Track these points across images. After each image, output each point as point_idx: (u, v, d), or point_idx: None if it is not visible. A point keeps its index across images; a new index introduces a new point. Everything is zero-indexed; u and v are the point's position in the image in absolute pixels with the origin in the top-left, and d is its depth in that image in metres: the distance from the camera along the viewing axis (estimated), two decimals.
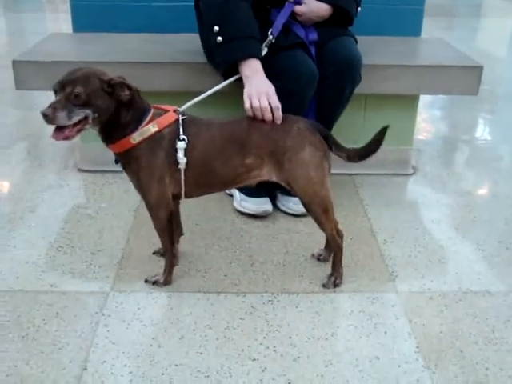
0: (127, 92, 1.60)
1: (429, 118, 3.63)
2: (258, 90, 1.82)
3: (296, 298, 1.83)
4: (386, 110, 2.63)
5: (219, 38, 1.93)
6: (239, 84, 1.90)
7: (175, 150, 1.65)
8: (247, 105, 1.78)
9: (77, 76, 1.56)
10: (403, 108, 2.65)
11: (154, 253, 2.02)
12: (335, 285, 1.87)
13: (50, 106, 1.53)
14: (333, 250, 1.89)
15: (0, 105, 3.63)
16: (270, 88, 1.84)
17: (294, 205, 2.27)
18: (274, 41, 1.98)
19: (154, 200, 1.73)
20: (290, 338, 1.65)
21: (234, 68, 1.92)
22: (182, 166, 1.67)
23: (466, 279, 1.94)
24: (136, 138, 1.64)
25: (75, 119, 1.55)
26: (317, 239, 2.06)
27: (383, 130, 1.75)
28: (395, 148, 2.68)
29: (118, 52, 2.52)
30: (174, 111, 1.71)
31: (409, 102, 2.64)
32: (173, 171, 1.69)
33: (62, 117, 1.53)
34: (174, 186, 1.72)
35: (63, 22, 6.13)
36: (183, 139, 1.65)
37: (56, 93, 1.57)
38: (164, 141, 1.66)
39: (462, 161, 3.05)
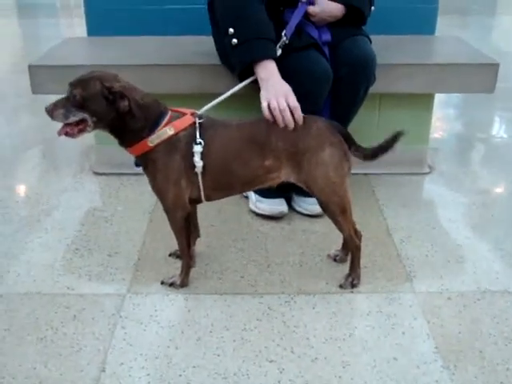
0: (126, 102, 1.59)
1: (444, 116, 3.60)
2: (276, 91, 1.81)
3: (313, 298, 1.82)
4: (400, 109, 2.62)
5: (234, 40, 1.92)
6: (254, 86, 1.90)
7: (192, 154, 1.65)
8: (264, 105, 1.77)
9: (82, 78, 1.61)
10: (418, 107, 2.63)
11: (170, 255, 2.02)
12: (353, 285, 1.87)
13: (53, 103, 1.62)
14: (350, 251, 1.88)
15: (16, 109, 3.66)
16: (287, 89, 1.83)
17: (309, 205, 2.26)
18: (287, 42, 1.98)
19: (171, 202, 1.73)
20: (308, 339, 1.65)
21: (249, 69, 1.92)
22: (198, 170, 1.67)
23: (484, 279, 1.92)
24: (153, 140, 1.64)
25: (71, 119, 1.62)
26: (333, 240, 2.05)
27: (397, 135, 1.74)
28: (411, 147, 2.66)
29: (132, 55, 2.53)
30: (192, 114, 1.71)
31: (424, 100, 2.62)
32: (190, 174, 1.69)
33: (58, 114, 1.61)
34: (193, 189, 1.72)
35: (77, 26, 6.16)
36: (199, 143, 1.65)
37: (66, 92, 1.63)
38: (180, 144, 1.66)
39: (479, 159, 3.02)
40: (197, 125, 1.68)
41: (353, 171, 2.40)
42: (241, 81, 1.95)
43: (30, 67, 2.41)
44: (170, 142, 1.65)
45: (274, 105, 1.75)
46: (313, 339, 1.65)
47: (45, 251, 2.07)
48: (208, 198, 1.78)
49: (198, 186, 1.71)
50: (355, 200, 2.37)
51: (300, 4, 2.09)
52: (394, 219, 2.29)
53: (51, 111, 1.61)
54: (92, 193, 2.53)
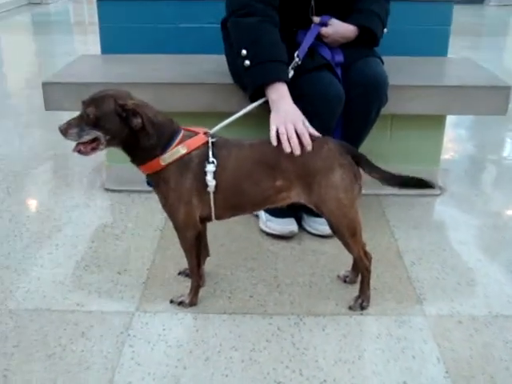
0: (139, 119, 1.60)
1: (455, 137, 3.60)
2: (285, 116, 1.81)
3: (322, 320, 1.81)
4: (412, 130, 2.62)
5: (247, 62, 1.93)
6: (266, 106, 1.90)
7: (204, 173, 1.65)
8: (273, 133, 1.77)
9: (95, 97, 1.61)
10: (430, 128, 2.63)
11: (179, 273, 2.02)
12: (362, 307, 1.85)
13: (66, 122, 1.62)
14: (360, 272, 1.86)
15: (28, 125, 3.69)
16: (297, 114, 1.82)
17: (319, 225, 2.25)
18: (300, 63, 1.99)
19: (182, 221, 1.73)
20: (317, 361, 1.63)
21: (261, 90, 1.92)
22: (211, 189, 1.67)
23: (496, 302, 1.90)
24: (165, 159, 1.65)
25: (85, 138, 1.62)
26: (343, 260, 2.04)
27: (425, 184, 1.80)
28: (422, 168, 2.65)
29: (145, 73, 2.55)
30: (204, 133, 1.71)
31: (435, 122, 2.62)
32: (202, 193, 1.69)
33: (72, 133, 1.62)
34: (203, 208, 1.72)
35: (91, 43, 6.23)
36: (212, 162, 1.66)
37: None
38: (193, 163, 1.66)
39: (490, 181, 3.01)
40: (209, 144, 1.68)
41: (363, 192, 2.40)
42: (252, 102, 1.95)
43: (44, 84, 2.43)
44: (183, 160, 1.66)
45: (282, 131, 1.74)
46: (322, 361, 1.63)
47: (55, 267, 2.08)
48: (218, 217, 1.78)
49: (209, 205, 1.71)
50: (366, 221, 2.37)
51: (313, 25, 2.10)
52: (404, 241, 2.27)
53: (65, 130, 1.61)
54: (103, 209, 2.54)
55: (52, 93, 2.44)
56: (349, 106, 2.08)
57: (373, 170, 1.76)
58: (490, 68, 2.74)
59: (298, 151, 1.70)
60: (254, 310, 1.85)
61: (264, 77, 1.91)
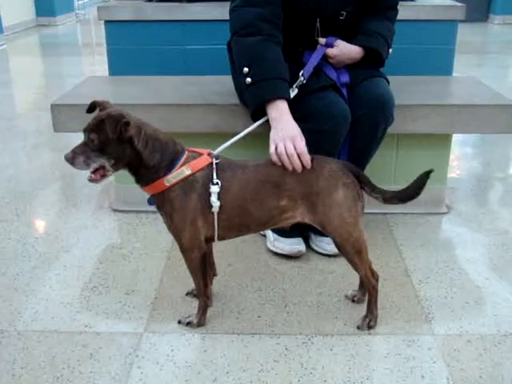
0: (133, 133, 1.59)
1: (462, 155, 3.60)
2: (284, 134, 1.82)
3: (331, 340, 1.80)
4: (418, 149, 2.62)
5: (248, 80, 1.95)
6: (269, 125, 1.91)
7: (209, 194, 1.66)
8: (272, 149, 1.78)
9: (96, 121, 1.60)
10: (436, 147, 2.64)
11: (187, 294, 2.02)
12: (369, 327, 1.85)
13: (72, 150, 1.62)
14: (367, 291, 1.86)
15: (37, 146, 3.71)
16: (296, 132, 1.83)
17: (327, 245, 2.25)
18: (304, 82, 2.01)
19: (187, 242, 1.74)
20: (325, 381, 1.63)
21: (263, 109, 1.94)
22: (215, 210, 1.68)
23: (504, 321, 1.89)
24: (170, 180, 1.65)
25: (93, 166, 1.63)
26: (351, 280, 2.04)
27: (425, 175, 1.75)
28: (429, 187, 2.65)
29: (152, 94, 2.57)
30: (208, 154, 1.73)
31: (442, 140, 2.63)
32: (206, 214, 1.69)
33: (80, 162, 1.61)
34: (208, 228, 1.73)
35: (99, 64, 6.29)
36: (217, 183, 1.67)
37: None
38: (198, 184, 1.67)
39: (497, 199, 3.01)
40: (214, 165, 1.69)
41: (371, 211, 2.41)
42: (254, 121, 1.97)
43: (53, 106, 2.45)
44: (187, 181, 1.67)
45: (281, 149, 1.76)
46: (330, 381, 1.63)
47: (63, 288, 2.08)
48: (221, 238, 1.78)
49: (213, 225, 1.72)
50: (373, 240, 2.38)
51: (319, 46, 2.12)
52: (412, 259, 2.27)
53: (72, 159, 1.61)
54: (110, 230, 2.55)
55: (60, 114, 2.46)
56: (355, 125, 2.09)
57: (374, 189, 1.77)
58: (494, 86, 2.76)
59: (299, 169, 1.71)
60: (262, 330, 1.85)
61: (265, 94, 1.93)
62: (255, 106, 1.96)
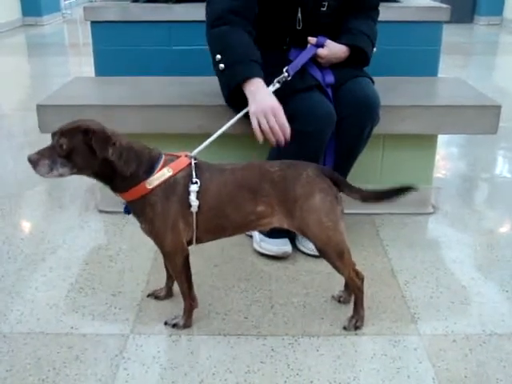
0: (114, 149, 1.59)
1: (447, 155, 3.62)
2: (263, 106, 1.85)
3: (317, 340, 1.81)
4: (404, 150, 2.64)
5: (221, 65, 1.99)
6: (247, 124, 1.92)
7: (189, 194, 1.66)
8: (255, 124, 1.80)
9: (68, 128, 1.60)
10: (422, 147, 2.65)
11: (148, 295, 2.01)
12: (356, 327, 1.85)
13: (37, 152, 1.60)
14: (353, 293, 1.87)
15: (22, 146, 3.69)
16: (275, 104, 1.87)
17: (313, 245, 2.25)
18: (289, 78, 2.01)
19: (170, 246, 1.73)
20: (312, 382, 1.63)
21: (238, 97, 1.97)
22: (194, 209, 1.67)
23: (490, 321, 1.91)
24: (151, 182, 1.64)
25: (56, 173, 1.61)
26: (337, 280, 2.05)
27: (407, 189, 1.77)
28: None
29: (138, 95, 2.56)
30: (186, 156, 1.73)
31: (427, 141, 2.64)
32: (186, 215, 1.69)
33: (44, 165, 1.60)
34: (188, 231, 1.72)
35: (85, 65, 6.24)
36: (196, 182, 1.66)
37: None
38: (178, 186, 1.66)
39: (483, 199, 3.03)
40: (193, 165, 1.69)
41: (357, 211, 2.42)
42: (230, 105, 1.97)
43: (39, 107, 2.44)
44: (169, 184, 1.66)
45: (263, 122, 1.78)
46: (317, 382, 1.63)
47: (49, 290, 2.07)
48: (199, 240, 1.78)
49: (192, 227, 1.72)
50: (359, 240, 2.39)
51: (309, 46, 2.13)
52: (398, 260, 2.28)
53: (36, 161, 1.60)
54: (97, 231, 2.54)
55: (47, 115, 2.44)
56: (341, 126, 2.10)
57: (352, 190, 1.79)
58: (479, 87, 2.77)
59: (282, 142, 1.73)
60: (249, 331, 1.85)
61: (238, 76, 1.96)
62: (231, 87, 2.00)
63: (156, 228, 1.70)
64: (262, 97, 1.90)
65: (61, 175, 1.62)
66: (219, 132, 1.94)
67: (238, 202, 1.71)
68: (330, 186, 1.73)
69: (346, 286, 1.98)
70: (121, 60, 2.88)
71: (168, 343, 1.79)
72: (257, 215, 1.73)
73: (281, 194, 1.71)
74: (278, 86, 1.99)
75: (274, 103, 1.88)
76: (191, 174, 1.68)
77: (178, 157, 1.72)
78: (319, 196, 1.70)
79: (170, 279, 1.98)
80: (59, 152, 1.58)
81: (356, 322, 1.86)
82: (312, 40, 2.14)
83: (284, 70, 2.02)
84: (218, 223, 1.75)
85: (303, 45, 2.15)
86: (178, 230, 1.70)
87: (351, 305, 1.90)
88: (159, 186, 1.65)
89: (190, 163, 1.70)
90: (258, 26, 2.10)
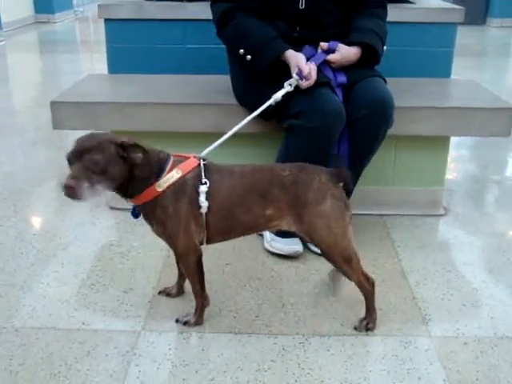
0: (140, 154, 1.58)
1: (459, 157, 3.61)
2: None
3: (328, 340, 1.81)
4: (416, 151, 2.63)
5: (248, 57, 2.05)
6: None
7: (198, 195, 1.66)
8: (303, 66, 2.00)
9: (91, 144, 1.54)
10: (434, 149, 2.64)
11: (159, 292, 2.02)
12: (367, 329, 1.85)
13: (71, 177, 1.50)
14: (364, 297, 1.86)
15: (34, 143, 3.71)
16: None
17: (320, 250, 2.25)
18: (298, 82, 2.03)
19: (183, 247, 1.73)
20: (322, 381, 1.63)
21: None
22: (203, 210, 1.67)
23: (501, 324, 1.90)
24: (161, 185, 1.64)
25: (95, 193, 1.53)
26: (347, 280, 2.05)
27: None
28: (426, 189, 2.67)
29: (151, 93, 2.57)
30: (194, 157, 1.72)
31: (440, 142, 2.63)
32: (196, 216, 1.69)
33: (84, 189, 1.50)
34: (199, 231, 1.72)
35: (97, 62, 6.28)
36: (205, 183, 1.66)
37: (70, 163, 1.55)
38: (188, 187, 1.66)
39: (494, 201, 3.02)
40: (202, 166, 1.69)
41: (368, 212, 2.42)
42: (245, 106, 2.15)
43: (52, 103, 2.45)
44: (178, 185, 1.65)
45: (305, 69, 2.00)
46: (327, 382, 1.63)
47: (60, 286, 2.08)
48: (209, 241, 1.78)
49: (202, 229, 1.72)
50: (370, 241, 2.39)
51: (319, 52, 2.13)
52: (409, 261, 2.28)
53: (77, 189, 1.49)
54: (108, 228, 2.55)
55: (60, 112, 2.46)
56: (355, 127, 2.09)
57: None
58: (492, 89, 2.77)
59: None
60: (260, 329, 1.85)
61: (272, 55, 2.07)
62: (265, 71, 2.09)
63: (168, 229, 1.70)
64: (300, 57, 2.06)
65: (99, 193, 1.55)
66: (229, 134, 1.95)
67: (247, 204, 1.71)
68: (342, 192, 1.74)
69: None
70: (134, 58, 2.89)
71: (179, 340, 1.80)
72: (266, 218, 1.73)
73: (291, 198, 1.70)
74: (289, 88, 2.01)
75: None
76: (200, 175, 1.67)
77: (186, 158, 1.71)
78: (330, 201, 1.70)
79: (181, 277, 1.98)
80: (94, 169, 1.51)
81: (367, 324, 1.85)
82: (324, 45, 2.14)
83: (294, 74, 2.03)
84: (228, 224, 1.75)
85: (310, 28, 2.19)
86: (190, 230, 1.70)
87: (363, 305, 1.89)
88: (169, 187, 1.65)
89: (199, 164, 1.69)
90: (264, 16, 2.15)
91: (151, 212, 1.70)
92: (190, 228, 1.70)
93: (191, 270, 1.79)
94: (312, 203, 1.70)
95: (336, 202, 1.71)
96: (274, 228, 1.78)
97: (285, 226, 1.75)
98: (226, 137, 1.94)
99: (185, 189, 1.66)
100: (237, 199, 1.71)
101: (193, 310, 1.86)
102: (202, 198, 1.66)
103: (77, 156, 1.53)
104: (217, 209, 1.69)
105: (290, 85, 2.01)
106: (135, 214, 1.75)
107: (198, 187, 1.66)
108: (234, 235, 1.83)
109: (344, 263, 1.76)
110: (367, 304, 1.86)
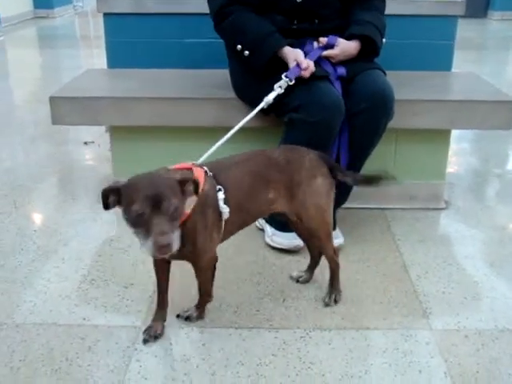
0: (191, 187, 1.49)
1: (460, 151, 3.60)
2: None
3: (328, 334, 1.81)
4: (417, 144, 2.62)
5: (246, 52, 2.08)
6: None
7: (217, 202, 1.61)
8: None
9: (162, 190, 1.41)
10: (435, 142, 2.64)
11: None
12: (336, 301, 1.92)
13: (160, 232, 1.37)
14: (331, 269, 1.93)
15: (34, 138, 3.70)
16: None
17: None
18: (291, 83, 2.02)
19: (207, 261, 1.72)
20: (323, 375, 1.63)
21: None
22: (225, 216, 1.64)
23: (502, 317, 1.90)
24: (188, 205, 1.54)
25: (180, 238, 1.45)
26: (349, 274, 2.05)
27: (391, 178, 1.87)
28: (427, 182, 2.67)
29: (151, 88, 2.57)
30: (193, 165, 1.66)
31: (441, 136, 2.63)
32: (218, 224, 1.66)
33: (175, 240, 1.41)
34: (218, 238, 1.70)
35: (96, 57, 6.27)
36: (220, 189, 1.62)
37: (144, 215, 1.39)
38: (209, 198, 1.60)
39: (495, 195, 3.01)
40: (209, 173, 1.64)
41: (369, 205, 2.42)
42: (244, 100, 2.16)
43: (51, 99, 2.44)
44: (201, 200, 1.57)
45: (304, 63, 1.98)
46: (328, 375, 1.63)
47: (61, 281, 2.08)
48: (221, 241, 1.77)
49: (221, 232, 1.70)
50: (371, 235, 2.39)
51: (317, 46, 2.12)
52: (410, 255, 2.27)
53: (171, 242, 1.38)
54: (109, 223, 2.54)
55: (59, 107, 2.45)
56: (355, 120, 2.09)
57: (345, 174, 1.85)
58: (493, 82, 2.76)
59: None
60: (261, 324, 1.85)
61: (269, 50, 2.07)
62: (263, 66, 2.09)
63: (199, 246, 1.63)
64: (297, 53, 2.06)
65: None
66: (225, 138, 1.93)
67: (254, 193, 1.72)
68: (328, 172, 1.79)
69: (309, 267, 2.06)
70: (133, 52, 2.88)
71: (180, 335, 1.80)
72: (269, 202, 1.75)
73: (287, 177, 1.74)
74: (280, 90, 2.01)
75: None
76: (212, 183, 1.63)
77: (187, 169, 1.62)
78: (320, 179, 1.77)
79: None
80: (175, 216, 1.42)
81: (336, 297, 1.93)
82: (323, 40, 2.13)
83: (283, 75, 2.01)
84: (240, 219, 1.74)
85: (308, 20, 2.19)
86: (214, 240, 1.68)
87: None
88: (195, 206, 1.55)
89: (206, 172, 1.64)
90: (261, 10, 2.16)
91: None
92: (213, 238, 1.67)
93: (209, 277, 1.79)
94: (304, 181, 1.75)
95: (325, 179, 1.78)
96: (273, 211, 1.80)
97: (279, 207, 1.78)
98: (224, 139, 1.93)
99: (207, 201, 1.60)
100: (246, 190, 1.71)
101: (193, 306, 1.86)
102: (222, 204, 1.62)
103: (153, 207, 1.38)
104: (232, 208, 1.66)
105: (280, 87, 2.01)
106: None
107: (215, 195, 1.61)
108: (243, 227, 1.83)
109: (326, 238, 1.84)
110: (333, 277, 1.94)
